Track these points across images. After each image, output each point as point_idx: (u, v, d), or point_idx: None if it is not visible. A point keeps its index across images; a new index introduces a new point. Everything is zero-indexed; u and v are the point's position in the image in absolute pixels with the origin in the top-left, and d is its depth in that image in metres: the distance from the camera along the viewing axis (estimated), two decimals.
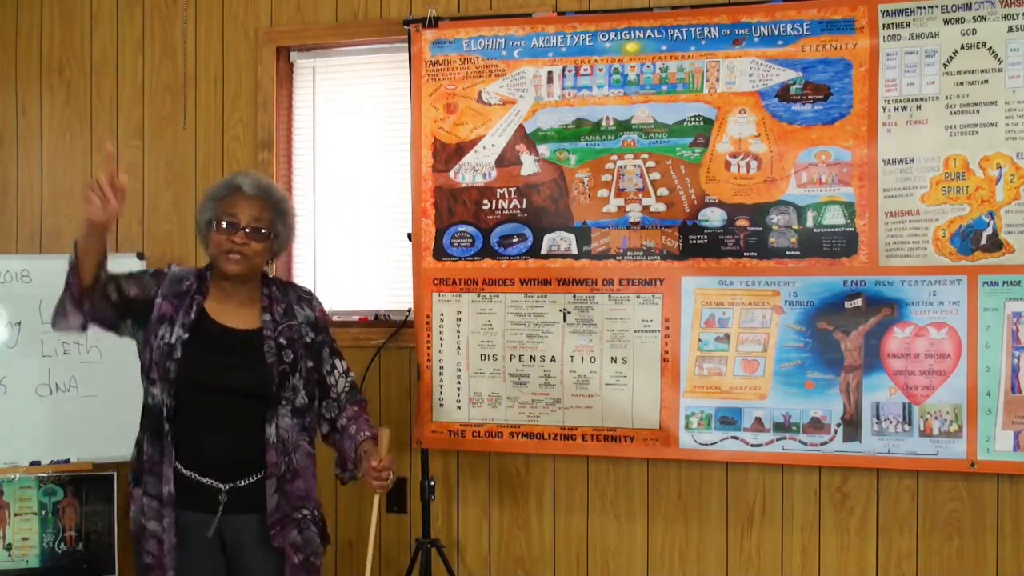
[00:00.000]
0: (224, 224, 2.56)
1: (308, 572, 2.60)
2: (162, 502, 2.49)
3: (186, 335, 2.52)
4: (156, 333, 2.54)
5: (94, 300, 2.50)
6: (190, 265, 2.73)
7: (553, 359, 3.28)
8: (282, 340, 2.61)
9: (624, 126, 3.21)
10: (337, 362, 2.73)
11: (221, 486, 2.50)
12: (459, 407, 3.36)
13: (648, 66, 3.19)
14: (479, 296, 3.34)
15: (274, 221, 2.62)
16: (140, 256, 3.57)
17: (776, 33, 3.09)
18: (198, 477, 2.50)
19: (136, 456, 2.59)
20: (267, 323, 2.62)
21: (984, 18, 2.94)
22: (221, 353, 2.56)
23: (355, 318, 3.68)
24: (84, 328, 2.57)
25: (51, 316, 2.56)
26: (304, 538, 2.59)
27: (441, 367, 3.37)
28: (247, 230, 2.56)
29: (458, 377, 3.36)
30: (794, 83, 3.08)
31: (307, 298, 2.75)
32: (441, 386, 3.38)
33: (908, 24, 3.00)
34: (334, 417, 2.71)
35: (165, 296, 2.57)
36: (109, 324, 2.59)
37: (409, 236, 3.40)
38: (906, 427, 3.02)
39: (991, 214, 2.95)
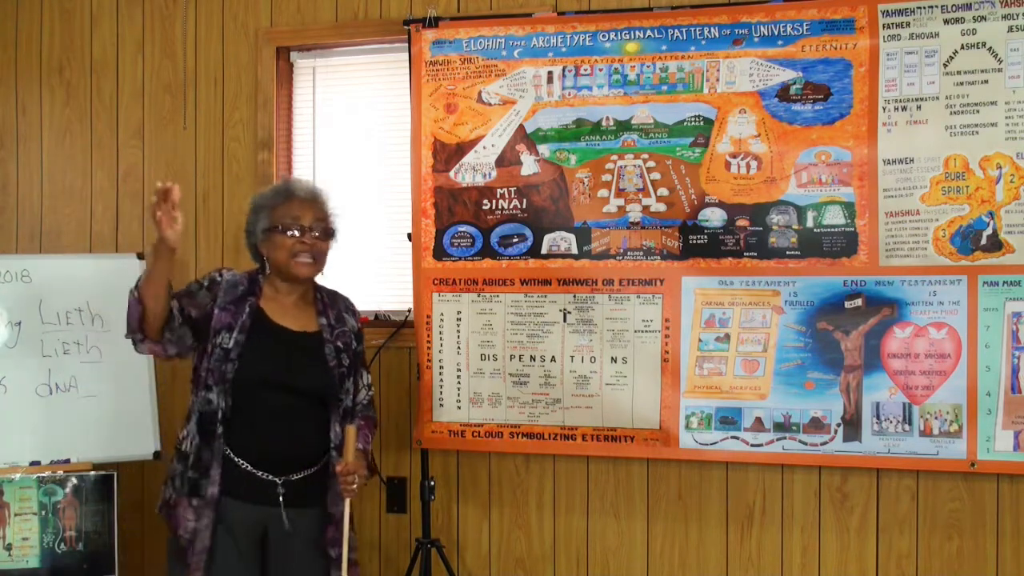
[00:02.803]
0: (290, 227, 2.64)
1: (352, 567, 2.68)
2: (205, 501, 2.54)
3: (243, 337, 2.59)
4: (214, 342, 2.58)
5: (171, 336, 2.58)
6: (237, 270, 2.79)
7: (553, 359, 3.28)
8: (339, 344, 2.71)
9: (624, 126, 3.22)
10: (364, 373, 2.83)
11: (277, 479, 2.57)
12: (459, 407, 3.36)
13: (648, 66, 3.19)
14: (479, 296, 3.34)
15: (331, 222, 2.74)
16: (140, 256, 3.56)
17: (776, 33, 3.09)
18: (251, 468, 2.56)
19: (192, 463, 2.57)
20: (324, 327, 2.72)
21: (984, 18, 2.94)
22: (282, 353, 2.63)
23: None
24: (177, 355, 2.65)
25: (134, 345, 2.62)
26: (353, 532, 2.68)
27: (441, 367, 3.37)
28: (315, 231, 2.66)
29: (458, 377, 3.36)
30: (794, 83, 3.08)
31: (353, 309, 2.87)
32: (441, 386, 3.38)
33: (908, 24, 3.00)
34: None
35: (223, 306, 2.62)
36: (184, 348, 2.64)
37: (409, 236, 3.40)
38: (906, 427, 3.02)
39: (991, 214, 2.95)
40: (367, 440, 2.75)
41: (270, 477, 2.58)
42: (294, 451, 2.62)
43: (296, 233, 2.65)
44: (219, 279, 2.67)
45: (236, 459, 2.57)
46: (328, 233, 2.72)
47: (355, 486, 2.57)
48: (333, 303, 2.82)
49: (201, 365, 2.62)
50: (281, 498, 2.57)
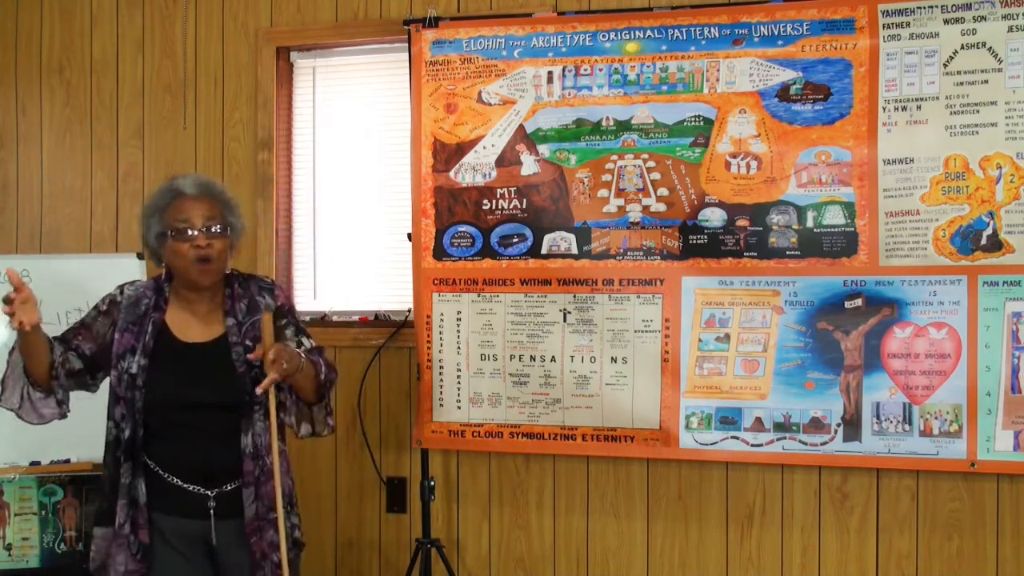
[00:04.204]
0: (179, 231, 2.46)
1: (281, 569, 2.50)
2: (112, 531, 2.45)
3: (146, 360, 2.46)
4: (121, 367, 2.47)
5: (61, 381, 2.50)
6: (145, 279, 2.66)
7: (553, 359, 3.28)
8: (248, 342, 2.52)
9: (624, 126, 3.22)
10: (304, 340, 2.61)
11: (208, 492, 2.47)
12: (459, 407, 3.36)
13: (648, 66, 3.19)
14: (479, 296, 3.34)
15: (225, 215, 2.53)
16: (140, 256, 3.56)
17: (776, 33, 3.09)
18: (180, 483, 2.46)
19: (106, 491, 2.50)
20: (231, 328, 2.53)
21: (984, 18, 2.94)
22: (187, 371, 2.48)
23: (355, 318, 3.68)
24: (64, 414, 2.56)
25: (16, 412, 2.53)
26: (280, 537, 2.47)
27: (441, 367, 3.37)
28: (205, 231, 2.47)
29: (458, 377, 3.36)
30: (794, 83, 3.08)
31: (268, 287, 2.62)
32: (441, 386, 3.38)
33: (908, 24, 3.00)
34: None
35: (124, 328, 2.49)
36: (84, 388, 2.58)
37: (409, 236, 3.40)
38: (906, 427, 3.02)
39: (991, 214, 2.95)
40: (317, 364, 2.53)
41: (201, 491, 2.47)
42: (221, 464, 2.48)
43: (188, 237, 2.45)
44: (119, 299, 2.53)
45: (164, 474, 2.46)
46: (221, 232, 2.49)
47: (278, 369, 2.35)
48: (245, 291, 2.58)
49: (112, 394, 2.51)
50: (212, 512, 2.46)
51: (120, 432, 2.48)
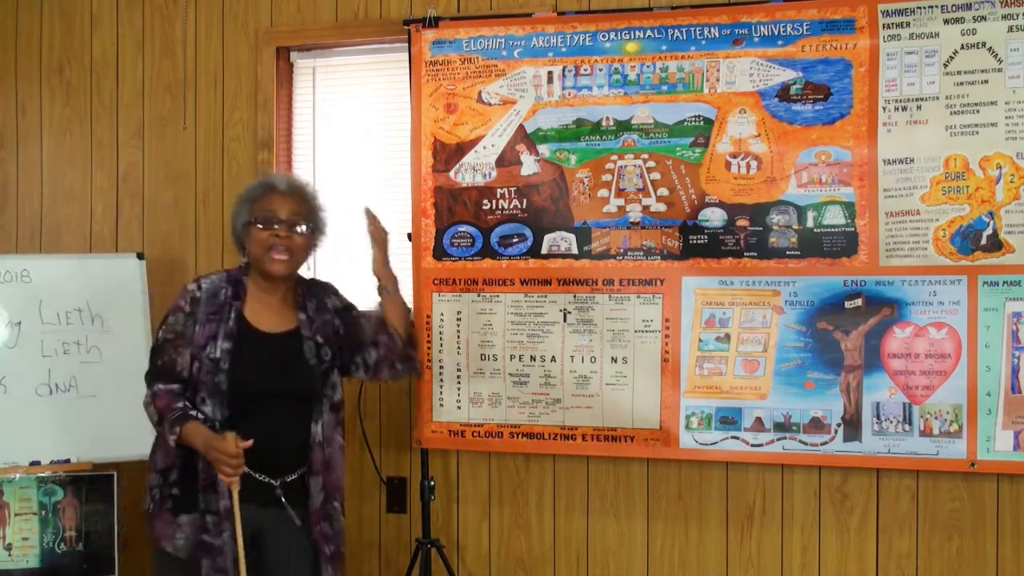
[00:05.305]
0: (264, 221, 2.62)
1: (335, 561, 2.66)
2: (221, 515, 2.51)
3: (229, 344, 2.55)
4: (202, 353, 2.54)
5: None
6: (207, 273, 2.75)
7: (553, 359, 3.28)
8: (319, 339, 2.68)
9: (624, 126, 3.21)
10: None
11: (274, 481, 2.57)
12: (459, 407, 3.36)
13: (648, 66, 3.19)
14: (479, 296, 3.34)
15: (311, 215, 2.71)
16: (140, 256, 3.56)
17: (776, 33, 3.09)
18: (250, 471, 2.53)
19: (182, 480, 2.54)
20: (303, 322, 2.68)
21: (984, 18, 2.94)
22: (265, 359, 2.60)
23: None
24: None
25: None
26: (335, 529, 2.66)
27: (441, 367, 3.37)
28: (288, 225, 2.63)
29: (458, 377, 3.36)
30: (794, 83, 3.08)
31: (335, 291, 2.86)
32: (441, 386, 3.38)
33: (908, 24, 3.00)
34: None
35: (204, 320, 2.58)
36: None
37: (409, 236, 3.40)
38: (906, 427, 3.02)
39: (991, 214, 2.95)
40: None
41: (267, 479, 2.57)
42: (288, 452, 2.61)
43: (271, 226, 2.63)
44: (198, 294, 2.62)
45: None
46: (305, 227, 2.68)
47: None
48: (314, 293, 2.78)
49: (190, 376, 2.57)
50: (283, 499, 2.57)
51: (205, 419, 2.52)
